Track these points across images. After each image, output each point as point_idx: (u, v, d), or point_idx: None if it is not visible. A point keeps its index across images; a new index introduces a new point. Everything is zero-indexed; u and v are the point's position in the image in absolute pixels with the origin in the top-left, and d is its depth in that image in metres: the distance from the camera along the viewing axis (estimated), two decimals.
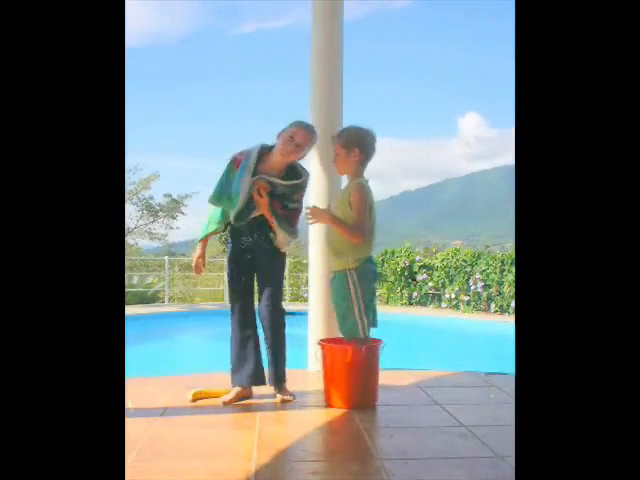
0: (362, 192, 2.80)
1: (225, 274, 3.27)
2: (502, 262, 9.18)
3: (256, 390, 3.15)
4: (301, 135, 2.94)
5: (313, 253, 3.80)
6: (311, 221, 2.96)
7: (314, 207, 2.98)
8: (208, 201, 3.10)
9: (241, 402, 3.02)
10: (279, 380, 3.07)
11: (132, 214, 16.09)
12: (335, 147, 2.89)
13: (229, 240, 3.16)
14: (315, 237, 3.76)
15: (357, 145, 2.83)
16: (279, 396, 3.05)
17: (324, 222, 2.96)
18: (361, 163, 2.87)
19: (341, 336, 3.04)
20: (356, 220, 2.78)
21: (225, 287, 11.74)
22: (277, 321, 3.07)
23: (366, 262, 2.87)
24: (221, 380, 3.44)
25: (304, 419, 2.81)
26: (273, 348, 3.08)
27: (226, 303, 11.25)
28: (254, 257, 3.05)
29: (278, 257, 3.10)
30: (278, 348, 3.08)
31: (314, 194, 3.74)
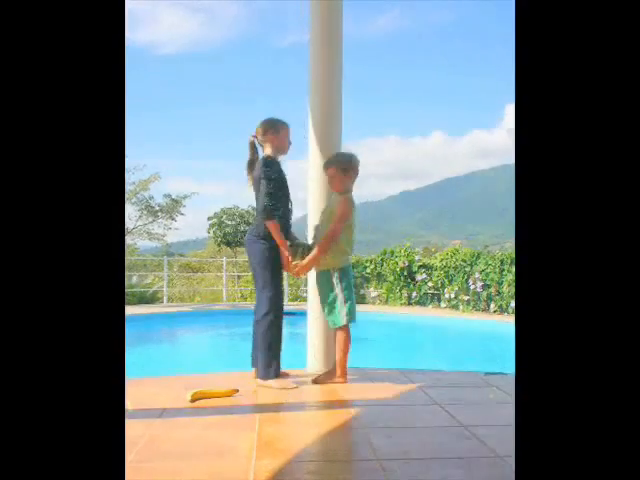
0: (347, 205, 3.41)
1: (263, 271, 3.44)
2: (501, 262, 9.19)
3: (255, 386, 3.15)
4: (290, 134, 3.58)
5: (313, 253, 3.80)
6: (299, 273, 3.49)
7: (299, 265, 3.41)
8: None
9: (241, 403, 3.03)
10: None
11: (131, 214, 16.07)
12: (330, 170, 3.48)
13: (264, 240, 3.38)
14: (315, 237, 3.77)
15: (352, 168, 3.49)
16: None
17: (309, 269, 3.47)
18: (352, 182, 3.51)
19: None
20: (331, 227, 3.36)
21: (224, 287, 11.75)
22: None
23: (348, 266, 3.47)
24: (221, 380, 3.44)
25: (304, 419, 2.81)
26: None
27: (225, 301, 11.27)
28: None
29: None
30: None
31: (315, 198, 3.79)
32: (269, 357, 3.34)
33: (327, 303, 3.45)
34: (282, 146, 3.53)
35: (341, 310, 3.40)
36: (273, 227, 3.32)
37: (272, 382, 3.32)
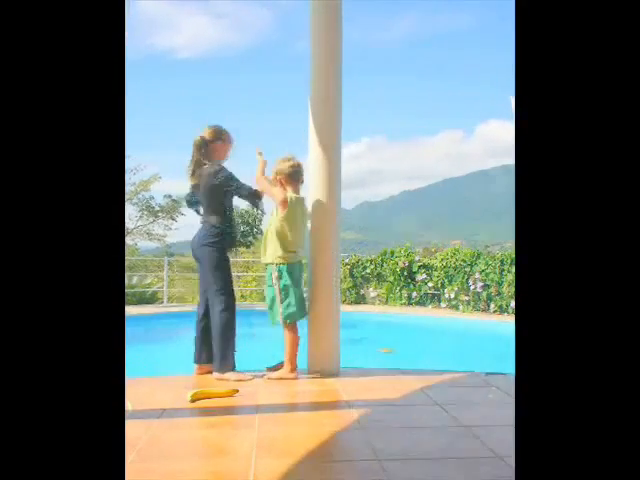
0: (288, 201, 3.55)
1: (219, 274, 3.62)
2: (501, 262, 9.17)
3: (255, 386, 3.14)
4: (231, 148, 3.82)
5: (313, 253, 3.81)
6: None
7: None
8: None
9: (242, 403, 3.04)
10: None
11: (132, 215, 16.07)
12: (275, 179, 3.66)
13: (214, 243, 3.55)
14: (315, 237, 3.77)
15: (293, 175, 3.65)
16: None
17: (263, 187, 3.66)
18: (288, 186, 3.62)
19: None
20: (273, 189, 3.57)
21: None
22: None
23: (289, 266, 3.53)
24: (220, 380, 3.44)
25: (303, 419, 2.81)
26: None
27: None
28: None
29: None
30: None
31: (315, 196, 3.80)
32: (226, 352, 3.51)
33: (267, 299, 3.63)
34: (224, 156, 3.72)
35: (278, 309, 3.53)
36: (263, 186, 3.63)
37: (229, 375, 3.48)
